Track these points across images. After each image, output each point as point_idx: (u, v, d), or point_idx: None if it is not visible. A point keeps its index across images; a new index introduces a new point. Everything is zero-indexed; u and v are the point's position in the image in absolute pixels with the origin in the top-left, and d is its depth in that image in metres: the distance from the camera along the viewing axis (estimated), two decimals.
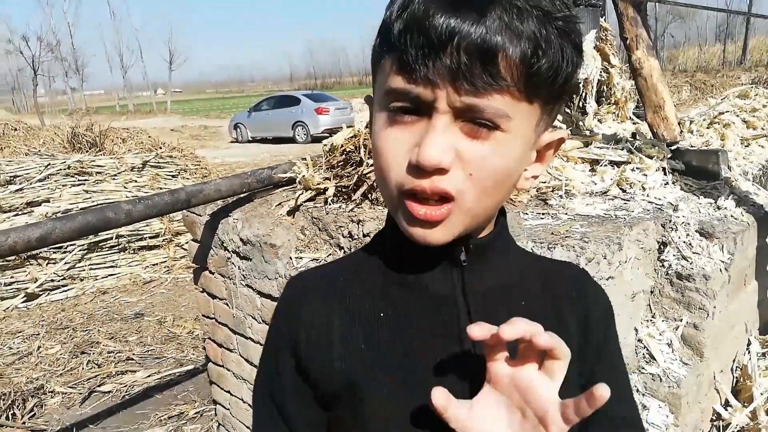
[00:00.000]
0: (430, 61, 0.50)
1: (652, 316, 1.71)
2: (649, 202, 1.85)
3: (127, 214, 1.87)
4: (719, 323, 1.70)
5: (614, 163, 2.06)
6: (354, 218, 1.86)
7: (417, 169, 0.53)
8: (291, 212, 2.10)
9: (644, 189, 1.93)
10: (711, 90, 18.13)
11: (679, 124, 2.24)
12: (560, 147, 0.63)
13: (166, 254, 5.68)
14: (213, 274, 2.39)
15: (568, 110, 2.51)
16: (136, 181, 5.76)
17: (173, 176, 6.16)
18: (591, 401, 0.48)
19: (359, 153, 2.07)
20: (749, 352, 2.00)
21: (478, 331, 0.51)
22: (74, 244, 5.09)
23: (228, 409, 2.59)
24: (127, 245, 5.47)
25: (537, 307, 0.65)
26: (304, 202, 2.10)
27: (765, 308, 2.13)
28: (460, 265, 0.61)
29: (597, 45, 2.61)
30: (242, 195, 2.29)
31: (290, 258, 1.98)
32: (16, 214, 5.01)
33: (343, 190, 2.04)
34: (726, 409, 1.82)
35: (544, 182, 1.96)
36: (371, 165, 1.93)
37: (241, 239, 2.15)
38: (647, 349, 1.63)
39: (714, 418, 1.82)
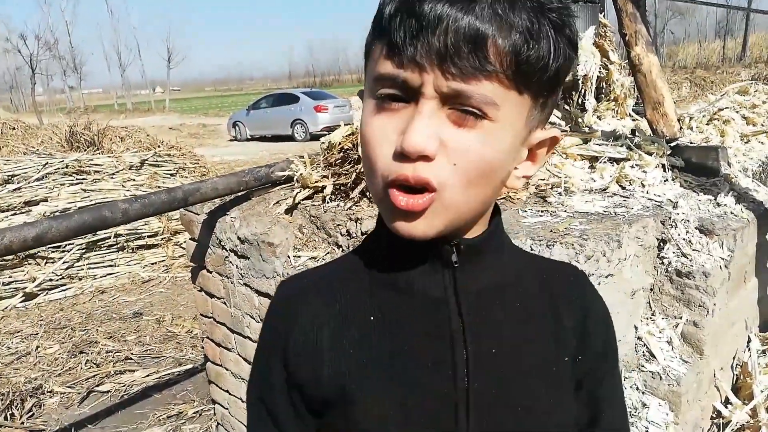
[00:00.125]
0: (418, 42, 0.50)
1: (652, 314, 1.71)
2: (649, 199, 1.84)
3: (123, 213, 1.86)
4: (719, 320, 1.69)
5: (613, 160, 2.05)
6: (352, 216, 1.86)
7: (402, 157, 0.52)
8: (289, 210, 2.09)
9: (644, 186, 1.92)
10: (711, 86, 18.12)
11: (678, 120, 2.23)
12: (554, 147, 0.62)
13: (165, 253, 5.67)
14: (211, 273, 2.39)
15: (567, 107, 2.50)
16: (134, 180, 5.75)
17: (172, 175, 6.15)
18: None
19: (357, 150, 2.06)
20: (749, 350, 2.00)
21: None
22: (72, 244, 5.08)
23: (227, 409, 2.58)
24: (125, 244, 5.46)
25: (534, 306, 0.64)
26: (302, 200, 2.09)
27: (765, 305, 2.12)
28: (451, 265, 0.60)
29: (596, 41, 2.61)
30: (240, 193, 2.28)
31: (288, 256, 1.97)
32: (14, 214, 5.00)
33: (341, 188, 2.03)
34: (726, 407, 1.81)
35: (543, 179, 1.95)
36: None
37: (239, 238, 2.14)
38: (647, 347, 1.62)
39: (714, 415, 1.81)
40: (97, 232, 4.84)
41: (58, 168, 5.33)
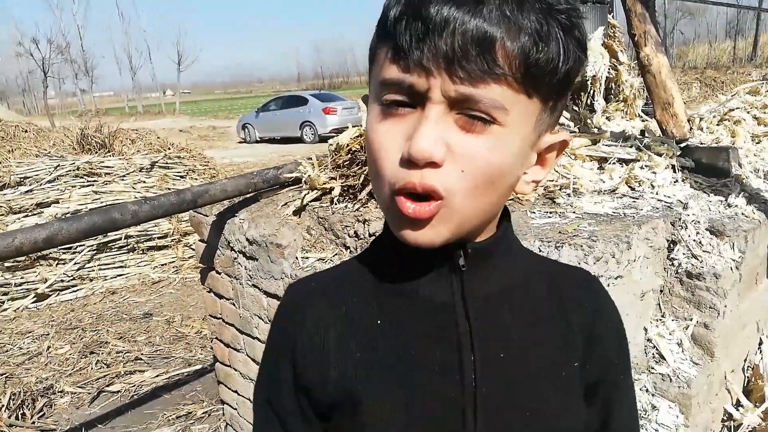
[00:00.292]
0: (424, 45, 0.48)
1: (662, 316, 1.69)
2: (659, 200, 1.83)
3: (133, 215, 1.87)
4: (730, 322, 1.68)
5: (623, 161, 2.04)
6: (360, 218, 1.86)
7: (409, 164, 0.51)
8: (297, 212, 2.10)
9: (653, 187, 1.90)
10: (721, 87, 17.96)
11: (688, 121, 2.22)
12: (563, 150, 0.61)
13: (175, 254, 5.71)
14: (220, 274, 2.40)
15: (576, 108, 2.49)
16: (144, 182, 5.79)
17: (181, 177, 6.19)
18: None
19: (365, 152, 2.06)
20: (761, 352, 1.98)
21: None
22: (83, 245, 5.12)
23: (235, 409, 2.59)
24: (136, 245, 5.50)
25: (543, 308, 0.64)
26: (310, 201, 2.10)
27: None
28: (459, 270, 0.59)
29: (605, 42, 2.59)
30: (248, 195, 2.29)
31: (296, 258, 1.97)
32: (26, 215, 5.05)
33: (349, 189, 2.03)
34: (737, 410, 1.79)
35: (552, 180, 1.95)
36: None
37: (248, 239, 2.15)
38: (657, 349, 1.61)
39: (725, 418, 1.80)
40: (108, 234, 4.88)
41: (70, 170, 5.39)
